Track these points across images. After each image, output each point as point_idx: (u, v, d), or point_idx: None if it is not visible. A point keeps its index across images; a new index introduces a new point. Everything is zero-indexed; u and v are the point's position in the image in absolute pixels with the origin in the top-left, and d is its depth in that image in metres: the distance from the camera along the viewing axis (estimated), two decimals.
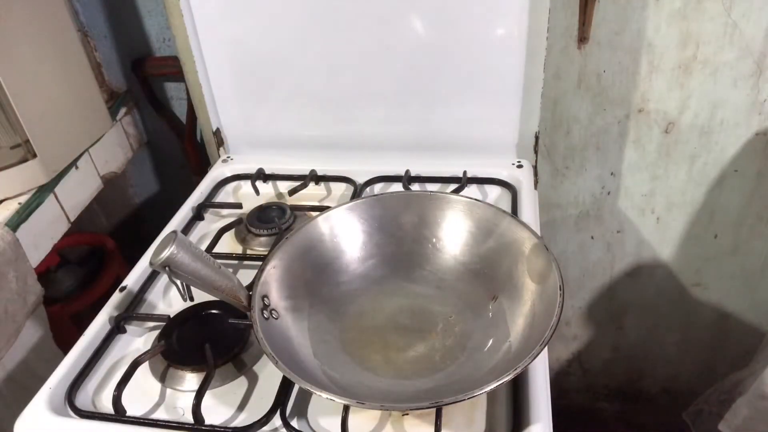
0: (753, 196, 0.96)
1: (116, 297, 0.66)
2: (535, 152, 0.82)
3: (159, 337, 0.61)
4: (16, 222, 0.75)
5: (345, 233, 0.63)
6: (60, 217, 0.84)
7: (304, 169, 0.84)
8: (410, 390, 0.52)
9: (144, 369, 0.58)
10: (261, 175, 0.85)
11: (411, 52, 0.77)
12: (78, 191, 0.88)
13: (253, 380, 0.57)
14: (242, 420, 0.53)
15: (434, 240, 0.64)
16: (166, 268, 0.49)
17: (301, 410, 0.54)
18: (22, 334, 0.75)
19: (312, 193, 0.83)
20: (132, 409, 0.54)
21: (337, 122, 0.85)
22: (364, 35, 0.77)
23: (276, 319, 0.54)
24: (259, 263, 0.58)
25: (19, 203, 0.78)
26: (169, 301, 0.68)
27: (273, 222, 0.75)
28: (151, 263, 0.50)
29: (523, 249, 0.58)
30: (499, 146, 0.83)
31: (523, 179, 0.79)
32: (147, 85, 1.03)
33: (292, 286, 0.58)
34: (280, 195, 0.85)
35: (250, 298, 0.53)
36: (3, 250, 0.71)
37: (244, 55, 0.82)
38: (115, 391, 0.54)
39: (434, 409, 0.51)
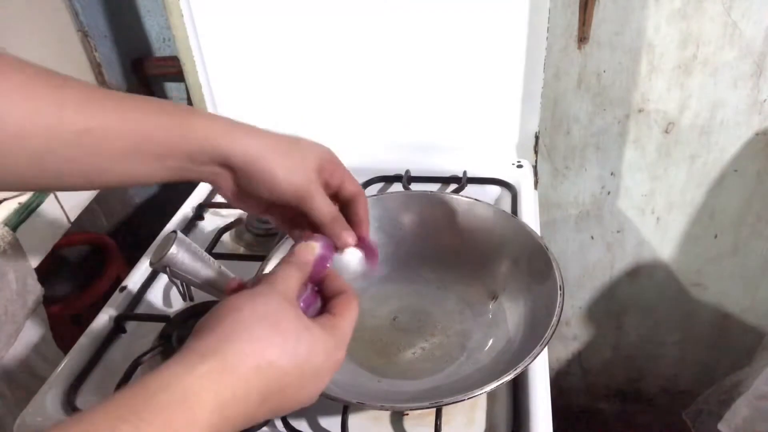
0: (753, 196, 0.96)
1: (116, 297, 0.66)
2: (535, 152, 0.82)
3: (159, 337, 0.61)
4: (16, 222, 0.75)
5: None
6: (60, 217, 0.84)
7: None
8: (410, 390, 0.52)
9: (144, 369, 0.58)
10: None
11: (411, 52, 0.77)
12: (78, 191, 0.88)
13: None
14: None
15: (434, 240, 0.64)
16: (166, 268, 0.49)
17: (301, 410, 0.54)
18: (22, 334, 0.74)
19: None
20: None
21: (337, 122, 0.85)
22: (364, 35, 0.77)
23: None
24: (259, 263, 0.57)
25: (19, 203, 0.78)
26: (169, 301, 0.68)
27: None
28: (151, 263, 0.50)
29: (523, 249, 0.58)
30: (499, 146, 0.83)
31: (523, 179, 0.79)
32: (147, 85, 1.03)
33: None
34: None
35: None
36: (3, 250, 0.71)
37: (244, 56, 0.82)
38: (115, 391, 0.54)
39: (434, 409, 0.51)
